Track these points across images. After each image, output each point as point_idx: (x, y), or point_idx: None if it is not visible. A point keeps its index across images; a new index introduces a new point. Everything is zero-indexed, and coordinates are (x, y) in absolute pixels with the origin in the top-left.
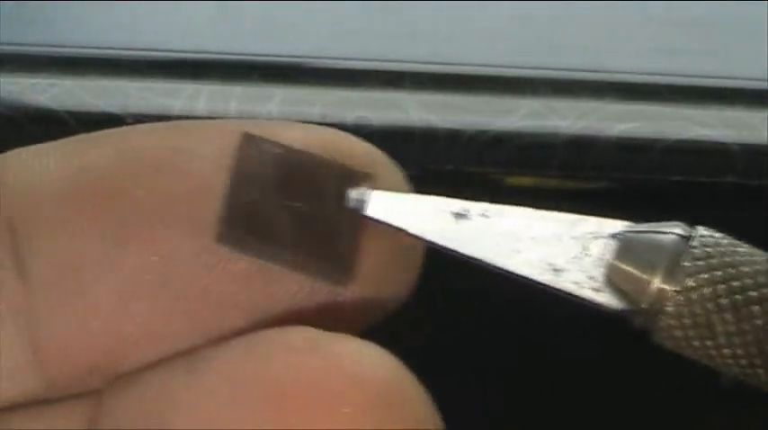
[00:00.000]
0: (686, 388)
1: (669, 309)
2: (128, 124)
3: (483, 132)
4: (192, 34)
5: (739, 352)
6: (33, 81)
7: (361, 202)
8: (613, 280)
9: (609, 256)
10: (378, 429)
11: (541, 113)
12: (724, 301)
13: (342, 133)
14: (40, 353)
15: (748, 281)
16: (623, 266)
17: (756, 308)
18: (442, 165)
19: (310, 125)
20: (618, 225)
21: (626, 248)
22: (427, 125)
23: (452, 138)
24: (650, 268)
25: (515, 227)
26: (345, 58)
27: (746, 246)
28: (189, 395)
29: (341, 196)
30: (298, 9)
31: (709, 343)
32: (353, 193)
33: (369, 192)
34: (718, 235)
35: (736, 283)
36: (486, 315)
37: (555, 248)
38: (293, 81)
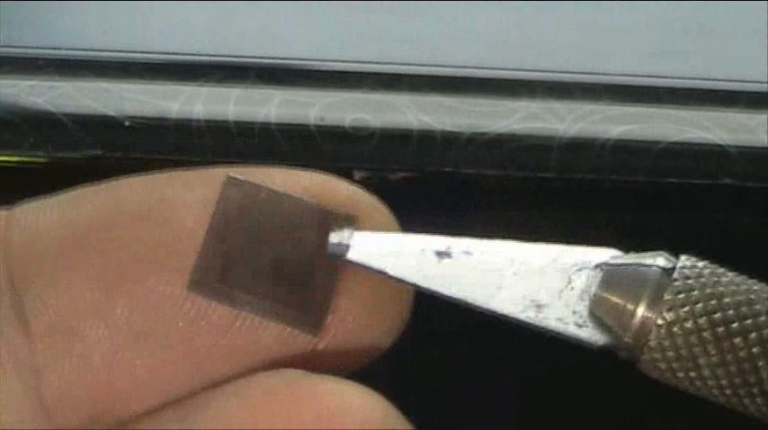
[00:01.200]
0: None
1: (651, 342)
2: (125, 127)
3: (481, 134)
4: (190, 36)
5: (724, 382)
6: (31, 83)
7: (342, 247)
8: (597, 313)
9: (593, 289)
10: None
11: (539, 116)
12: (706, 334)
13: (328, 177)
14: (44, 402)
15: (730, 313)
16: (607, 300)
17: (738, 340)
18: (439, 167)
19: (297, 170)
20: (603, 255)
21: (610, 281)
22: (425, 127)
23: (450, 140)
24: (633, 303)
25: (498, 262)
26: (343, 61)
27: (730, 274)
28: None
29: (321, 241)
30: (296, 11)
31: (693, 374)
32: (333, 237)
33: (349, 234)
34: (700, 264)
35: (717, 316)
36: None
37: (538, 283)
38: (291, 83)
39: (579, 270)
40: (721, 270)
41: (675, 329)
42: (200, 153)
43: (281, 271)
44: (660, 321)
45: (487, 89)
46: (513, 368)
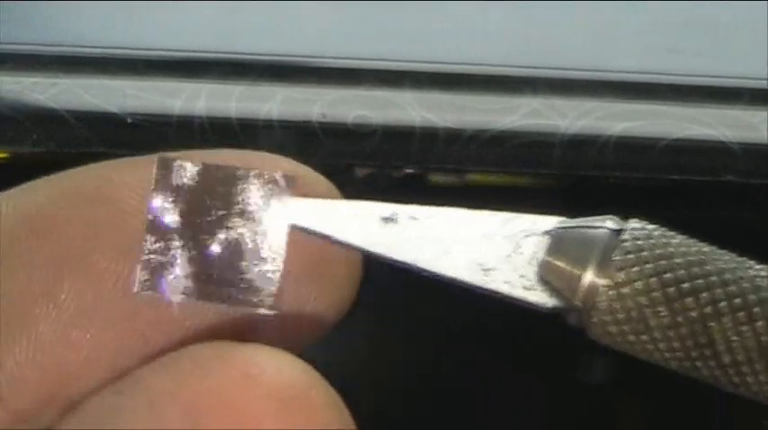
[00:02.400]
0: None
1: (601, 304)
2: (128, 123)
3: (483, 131)
4: (193, 33)
5: (675, 345)
6: (34, 80)
7: (285, 212)
8: (545, 277)
9: (541, 254)
10: None
11: (541, 112)
12: (656, 295)
13: (267, 154)
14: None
15: (681, 272)
16: (555, 263)
17: (690, 300)
18: (441, 164)
19: (240, 151)
20: (551, 221)
21: (557, 245)
22: (427, 124)
23: (452, 137)
24: (581, 264)
25: (445, 228)
26: (346, 58)
27: (680, 237)
28: (116, 418)
29: (263, 208)
30: (298, 8)
31: (644, 337)
32: (275, 203)
33: (291, 200)
34: (650, 227)
35: (668, 276)
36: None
37: (485, 248)
38: (293, 80)
39: (527, 236)
40: (672, 233)
41: (625, 290)
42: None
43: (226, 248)
44: (609, 282)
45: (490, 86)
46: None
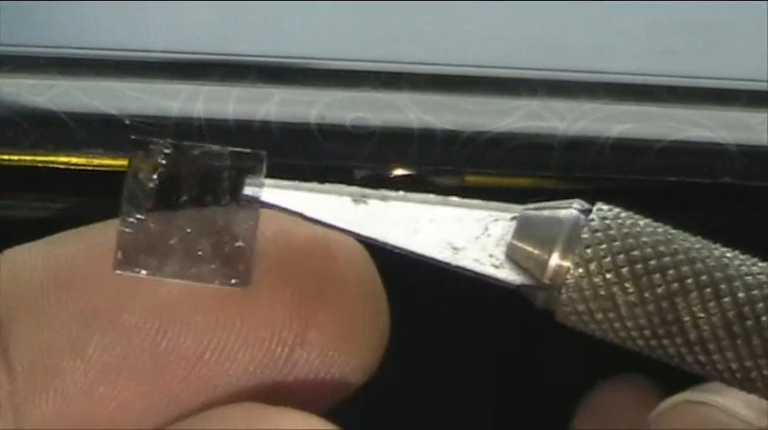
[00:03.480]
0: None
1: (569, 281)
2: (126, 125)
3: (481, 133)
4: (191, 35)
5: (642, 322)
6: (32, 82)
7: (257, 190)
8: (514, 257)
9: (509, 236)
10: None
11: (539, 114)
12: (624, 271)
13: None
14: None
15: (648, 250)
16: (522, 244)
17: (657, 276)
18: (439, 166)
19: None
20: (519, 208)
21: (525, 226)
22: (425, 126)
23: (450, 139)
24: (549, 243)
25: (415, 210)
26: (344, 60)
27: (647, 219)
28: None
29: (237, 186)
30: (296, 10)
31: (611, 315)
32: (249, 181)
33: (264, 178)
34: (617, 209)
35: (635, 253)
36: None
37: (455, 229)
38: (291, 82)
39: (496, 220)
40: (638, 216)
41: (593, 267)
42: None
43: (202, 226)
44: (577, 259)
45: (488, 88)
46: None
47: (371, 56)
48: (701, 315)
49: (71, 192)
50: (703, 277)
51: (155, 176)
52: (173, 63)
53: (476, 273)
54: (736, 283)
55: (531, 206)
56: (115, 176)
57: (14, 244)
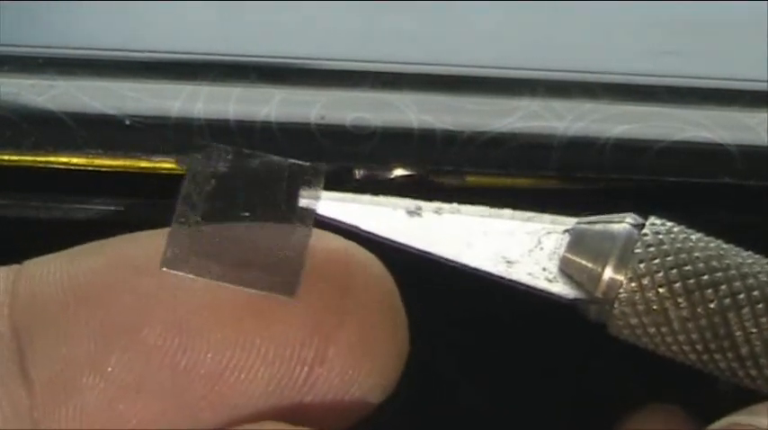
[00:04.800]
0: None
1: (622, 295)
2: (126, 125)
3: (481, 133)
4: (191, 35)
5: (694, 337)
6: (31, 82)
7: (313, 202)
8: (567, 271)
9: (562, 249)
10: None
11: (539, 115)
12: (677, 286)
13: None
14: None
15: (701, 265)
16: (576, 257)
17: (710, 291)
18: (440, 166)
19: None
20: (572, 220)
21: (578, 240)
22: (425, 126)
23: (450, 139)
24: (602, 257)
25: (468, 223)
26: (344, 60)
27: (699, 234)
28: None
29: (292, 197)
30: (296, 10)
31: (664, 329)
32: (304, 193)
33: (320, 190)
34: (669, 223)
35: (688, 268)
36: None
37: (508, 243)
38: (292, 82)
39: (548, 233)
40: (691, 230)
41: (646, 282)
42: (200, 152)
43: (254, 233)
44: (631, 273)
45: (488, 88)
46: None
47: (371, 56)
48: (754, 330)
49: (71, 192)
50: (755, 292)
51: (213, 181)
52: (173, 63)
53: (529, 286)
54: None
55: (584, 220)
56: (115, 176)
57: (14, 244)
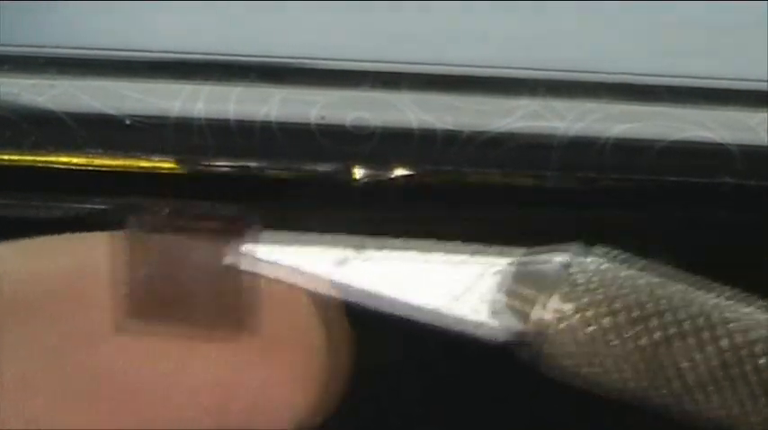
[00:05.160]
0: None
1: (552, 335)
2: (126, 125)
3: (481, 133)
4: (191, 35)
5: (627, 374)
6: (32, 82)
7: (243, 254)
8: (500, 311)
9: (496, 288)
10: None
11: (539, 114)
12: (606, 323)
13: None
14: None
15: (630, 301)
16: (508, 298)
17: (640, 327)
18: (439, 166)
19: None
20: (513, 253)
21: (512, 280)
22: (425, 126)
23: (450, 139)
24: (533, 297)
25: (404, 261)
26: (344, 59)
27: (630, 269)
28: None
29: (227, 246)
30: (297, 10)
31: (596, 367)
32: (234, 245)
33: (254, 239)
34: (600, 259)
35: (618, 304)
36: None
37: (449, 278)
38: (292, 82)
39: (485, 271)
40: (622, 265)
41: (575, 320)
42: (200, 152)
43: (197, 283)
44: (560, 313)
45: (488, 87)
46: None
47: (371, 55)
48: (685, 364)
49: (71, 192)
50: (687, 326)
51: (152, 236)
52: (173, 63)
53: (462, 328)
54: (720, 331)
55: (515, 260)
56: (115, 176)
57: None
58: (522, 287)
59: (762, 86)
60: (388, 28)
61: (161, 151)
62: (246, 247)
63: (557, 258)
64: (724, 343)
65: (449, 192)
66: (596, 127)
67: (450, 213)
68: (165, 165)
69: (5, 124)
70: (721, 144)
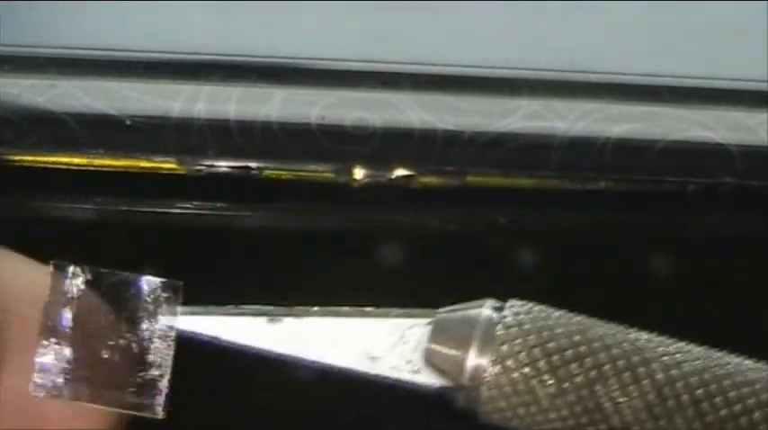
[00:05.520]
0: None
1: (488, 379)
2: (127, 125)
3: (481, 133)
4: (192, 35)
5: (564, 413)
6: (32, 82)
7: (172, 318)
8: (431, 361)
9: (425, 342)
10: None
11: (540, 114)
12: (541, 364)
13: None
14: None
15: (563, 341)
16: (439, 347)
17: (574, 366)
18: (440, 166)
19: None
20: (433, 312)
21: (440, 329)
22: (426, 126)
23: (451, 139)
24: (465, 344)
25: (331, 324)
26: (344, 60)
27: (560, 311)
28: None
29: (152, 315)
30: (297, 10)
31: (533, 409)
32: (164, 310)
33: (178, 306)
34: (530, 304)
35: (551, 345)
36: None
37: (371, 340)
38: (292, 82)
39: (411, 327)
40: (551, 308)
41: (510, 363)
42: (201, 152)
43: (118, 354)
44: (494, 357)
45: (488, 88)
46: None
47: (372, 56)
48: (622, 400)
49: (71, 192)
50: (620, 362)
51: (73, 304)
52: (173, 63)
53: (394, 379)
54: (654, 365)
55: (444, 310)
56: (115, 176)
57: (15, 243)
58: (454, 334)
59: (762, 86)
60: (389, 28)
61: (161, 151)
62: (166, 319)
63: (487, 304)
64: (659, 377)
65: (449, 193)
66: (596, 127)
67: (450, 213)
68: (166, 165)
69: (6, 124)
70: (721, 144)
